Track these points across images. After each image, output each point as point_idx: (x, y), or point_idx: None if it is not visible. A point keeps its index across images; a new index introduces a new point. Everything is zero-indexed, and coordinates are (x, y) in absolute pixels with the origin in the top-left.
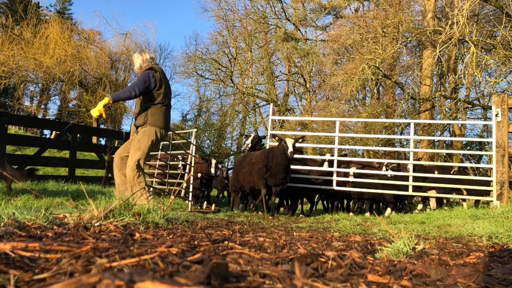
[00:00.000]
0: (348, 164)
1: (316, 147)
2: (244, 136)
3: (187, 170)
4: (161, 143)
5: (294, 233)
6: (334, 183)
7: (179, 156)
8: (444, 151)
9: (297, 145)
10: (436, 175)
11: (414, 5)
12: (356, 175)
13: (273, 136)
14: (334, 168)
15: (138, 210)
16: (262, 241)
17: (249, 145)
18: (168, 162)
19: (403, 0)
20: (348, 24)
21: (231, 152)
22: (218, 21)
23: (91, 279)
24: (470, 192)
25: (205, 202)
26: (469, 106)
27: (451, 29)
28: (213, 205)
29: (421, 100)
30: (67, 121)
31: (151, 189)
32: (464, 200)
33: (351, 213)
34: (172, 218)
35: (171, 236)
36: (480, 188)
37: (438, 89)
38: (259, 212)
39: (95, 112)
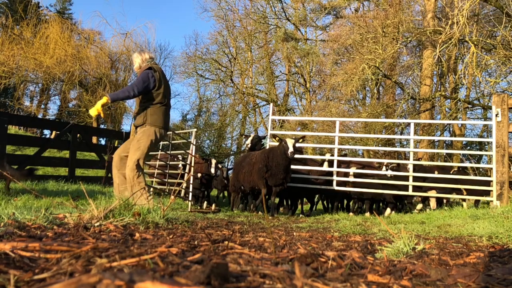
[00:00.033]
0: (348, 164)
1: (316, 147)
2: (244, 136)
3: (187, 170)
4: (161, 143)
5: (294, 233)
6: (334, 183)
7: (179, 156)
8: (444, 151)
9: (297, 145)
10: (436, 175)
11: (414, 5)
12: (356, 175)
13: (273, 136)
14: (334, 168)
15: (138, 210)
16: (262, 241)
17: (249, 145)
18: (168, 162)
19: (403, 0)
20: (348, 24)
21: (231, 152)
22: (218, 21)
23: (91, 279)
24: (470, 192)
25: (205, 202)
26: (469, 106)
27: (451, 29)
28: (213, 205)
29: (421, 100)
30: (67, 121)
31: (151, 189)
32: (464, 200)
33: (351, 213)
34: (172, 218)
35: (171, 236)
36: (480, 188)
37: (438, 89)
38: (259, 212)
39: (93, 112)
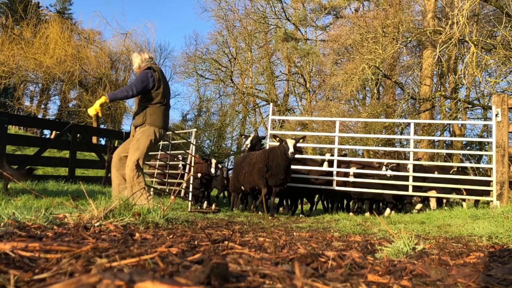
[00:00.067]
0: (348, 164)
1: (316, 147)
2: (243, 136)
3: (187, 170)
4: (161, 143)
5: (294, 233)
6: (334, 183)
7: (179, 156)
8: (444, 151)
9: (297, 145)
10: (436, 175)
11: (414, 5)
12: (356, 175)
13: (274, 136)
14: (334, 168)
15: (138, 210)
16: (262, 241)
17: (249, 145)
18: (168, 162)
19: (403, 0)
20: (348, 24)
21: (231, 152)
22: (218, 21)
23: (91, 279)
24: (470, 192)
25: (205, 202)
26: (469, 106)
27: (451, 29)
28: (213, 205)
29: (421, 100)
30: (67, 121)
31: (151, 189)
32: (464, 200)
33: (351, 213)
34: (172, 218)
35: (171, 236)
36: (480, 188)
37: (438, 89)
38: (259, 212)
39: (91, 111)
